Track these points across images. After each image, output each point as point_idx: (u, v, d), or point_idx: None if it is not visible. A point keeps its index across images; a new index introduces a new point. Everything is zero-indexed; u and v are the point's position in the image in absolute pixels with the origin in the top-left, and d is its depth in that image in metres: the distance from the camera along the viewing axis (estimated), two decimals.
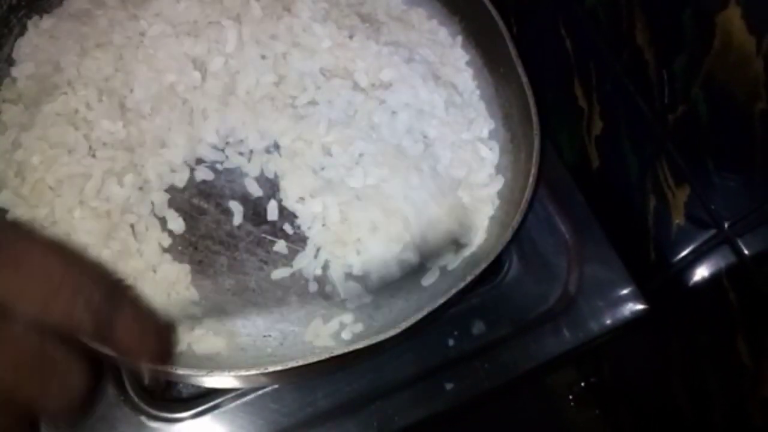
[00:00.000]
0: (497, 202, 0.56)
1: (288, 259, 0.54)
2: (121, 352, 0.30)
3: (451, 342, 0.56)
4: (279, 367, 0.43)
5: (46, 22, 0.57)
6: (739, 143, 0.49)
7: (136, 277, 0.50)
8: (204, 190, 0.56)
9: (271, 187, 0.56)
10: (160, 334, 0.32)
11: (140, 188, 0.53)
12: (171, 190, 0.55)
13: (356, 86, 0.58)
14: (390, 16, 0.63)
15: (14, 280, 0.27)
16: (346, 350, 0.44)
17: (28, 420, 0.28)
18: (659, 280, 0.61)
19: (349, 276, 0.53)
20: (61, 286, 0.27)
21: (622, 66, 0.57)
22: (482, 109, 0.60)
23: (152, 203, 0.53)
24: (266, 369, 0.43)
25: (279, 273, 0.53)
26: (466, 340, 0.56)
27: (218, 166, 0.57)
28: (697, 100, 0.50)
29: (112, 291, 0.29)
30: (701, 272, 0.57)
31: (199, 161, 0.56)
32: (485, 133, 0.59)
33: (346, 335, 0.51)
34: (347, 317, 0.52)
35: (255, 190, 0.56)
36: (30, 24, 0.57)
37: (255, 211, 0.56)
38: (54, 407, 0.28)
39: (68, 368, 0.28)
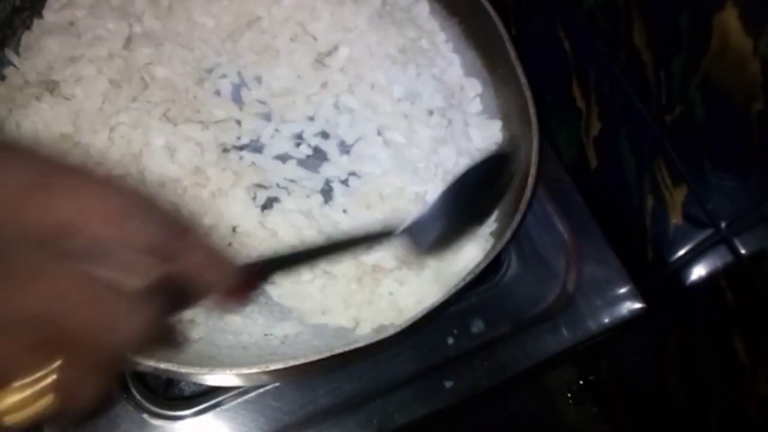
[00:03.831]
0: None
1: None
2: (192, 285, 0.27)
3: (450, 340, 0.56)
4: (280, 366, 0.43)
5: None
6: (735, 144, 0.49)
7: None
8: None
9: None
10: (232, 269, 0.29)
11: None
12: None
13: None
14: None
15: (73, 205, 0.24)
16: (346, 349, 0.44)
17: (112, 373, 0.25)
18: (657, 279, 0.61)
19: None
20: (125, 214, 0.25)
21: (620, 67, 0.57)
22: None
23: None
24: (268, 367, 0.43)
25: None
26: (466, 338, 0.56)
27: None
28: (694, 101, 0.50)
29: (179, 226, 0.27)
30: (698, 271, 0.57)
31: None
32: None
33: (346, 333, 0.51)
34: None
35: None
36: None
37: None
38: (120, 347, 0.24)
39: (131, 307, 0.24)
